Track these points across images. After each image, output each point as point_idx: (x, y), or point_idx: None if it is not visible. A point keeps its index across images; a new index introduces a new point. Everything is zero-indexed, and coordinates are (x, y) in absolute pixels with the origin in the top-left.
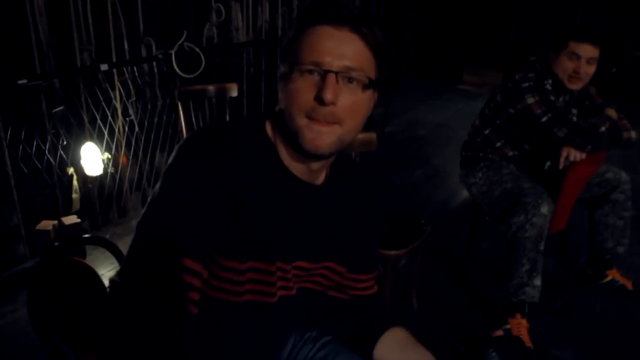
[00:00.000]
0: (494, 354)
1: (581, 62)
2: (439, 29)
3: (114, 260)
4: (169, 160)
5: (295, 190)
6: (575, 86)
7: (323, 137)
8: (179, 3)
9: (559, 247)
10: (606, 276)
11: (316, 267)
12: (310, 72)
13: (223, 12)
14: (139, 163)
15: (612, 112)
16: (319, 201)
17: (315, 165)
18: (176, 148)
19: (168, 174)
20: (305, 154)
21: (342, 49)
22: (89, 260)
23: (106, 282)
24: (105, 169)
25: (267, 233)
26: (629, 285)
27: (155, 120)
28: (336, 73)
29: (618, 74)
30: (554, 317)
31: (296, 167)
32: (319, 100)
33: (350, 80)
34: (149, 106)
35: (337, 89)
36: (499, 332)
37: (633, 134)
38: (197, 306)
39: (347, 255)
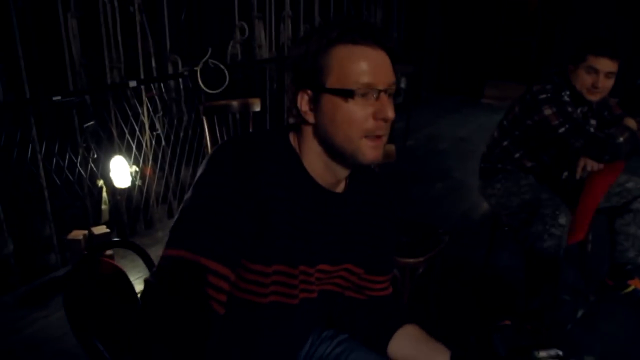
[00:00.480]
0: (500, 340)
1: (599, 76)
2: (461, 43)
3: (141, 268)
4: (199, 171)
5: (318, 198)
6: (594, 98)
7: (378, 150)
8: (205, 22)
9: (580, 258)
10: (628, 286)
11: (336, 269)
12: (364, 95)
13: (247, 29)
14: (165, 176)
15: (631, 123)
16: (340, 208)
17: (343, 174)
18: (206, 159)
19: (199, 183)
20: (354, 166)
21: (383, 68)
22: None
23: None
24: (133, 182)
25: (291, 239)
26: None
27: (181, 134)
28: (386, 91)
29: (637, 87)
30: (575, 328)
31: (321, 176)
32: (382, 119)
33: (390, 94)
34: (175, 121)
35: (391, 104)
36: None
37: None
38: (224, 307)
39: (364, 257)
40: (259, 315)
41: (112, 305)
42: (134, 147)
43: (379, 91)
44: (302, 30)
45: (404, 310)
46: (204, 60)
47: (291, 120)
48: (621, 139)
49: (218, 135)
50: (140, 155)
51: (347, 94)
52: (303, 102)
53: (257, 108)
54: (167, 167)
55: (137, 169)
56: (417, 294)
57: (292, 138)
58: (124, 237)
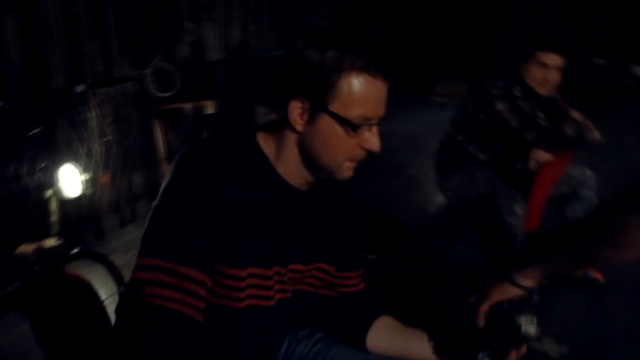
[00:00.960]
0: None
1: (549, 70)
2: (407, 44)
3: (98, 279)
4: (168, 176)
5: (288, 197)
6: (545, 92)
7: (353, 170)
8: (152, 23)
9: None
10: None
11: (309, 268)
12: (361, 124)
13: (196, 31)
14: (116, 184)
15: (577, 115)
16: (310, 206)
17: (315, 178)
18: (173, 163)
19: (169, 189)
20: (327, 177)
21: (384, 102)
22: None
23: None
24: (83, 190)
25: (264, 240)
26: (599, 277)
27: (132, 140)
28: (377, 123)
29: (579, 80)
30: (532, 312)
31: (291, 177)
32: (368, 150)
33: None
34: (125, 126)
35: None
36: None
37: (596, 135)
38: (202, 314)
39: (335, 255)
40: (235, 319)
41: (81, 321)
42: (83, 154)
43: (373, 124)
44: (252, 31)
45: (376, 304)
46: (153, 62)
47: (270, 118)
48: (569, 131)
49: (171, 139)
50: (90, 162)
51: (350, 127)
52: (296, 110)
53: (211, 110)
54: (118, 175)
55: (87, 177)
56: (380, 290)
57: (261, 139)
58: (74, 248)
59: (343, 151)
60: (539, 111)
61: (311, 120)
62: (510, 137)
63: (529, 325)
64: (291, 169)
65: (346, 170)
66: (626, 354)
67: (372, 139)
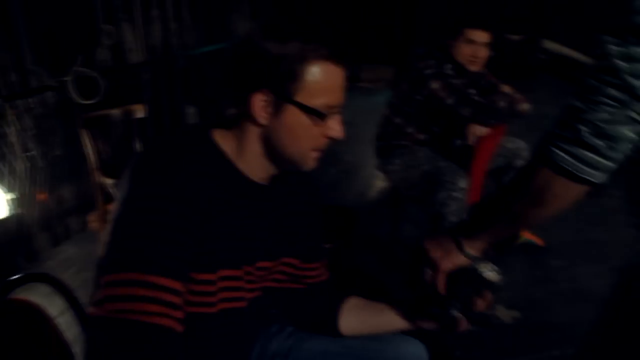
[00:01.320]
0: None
1: (477, 47)
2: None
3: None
4: (125, 186)
5: (250, 193)
6: (475, 68)
7: (318, 160)
8: (67, 28)
9: None
10: (520, 237)
11: (275, 264)
12: (325, 113)
13: (114, 33)
14: (46, 201)
15: (506, 88)
16: (271, 200)
17: (277, 171)
18: (129, 171)
19: (131, 199)
20: (292, 168)
21: (344, 88)
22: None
23: None
24: (10, 211)
25: (232, 240)
26: (539, 241)
27: (59, 152)
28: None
29: (498, 57)
30: (489, 260)
31: (253, 172)
32: (331, 138)
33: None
34: (50, 138)
35: None
36: None
37: (526, 106)
38: (181, 324)
39: (298, 247)
40: (209, 325)
41: (36, 346)
42: (6, 172)
43: (336, 113)
44: (173, 30)
45: (341, 288)
46: (73, 69)
47: (227, 114)
48: (501, 104)
49: (101, 147)
50: (14, 180)
51: (318, 116)
52: (259, 104)
53: (141, 114)
54: (47, 190)
55: (14, 197)
56: (334, 279)
57: (217, 136)
58: (1, 274)
59: (309, 141)
60: (471, 87)
61: (276, 112)
62: (446, 115)
63: (489, 272)
64: (254, 164)
65: (312, 160)
66: (572, 312)
67: (336, 127)
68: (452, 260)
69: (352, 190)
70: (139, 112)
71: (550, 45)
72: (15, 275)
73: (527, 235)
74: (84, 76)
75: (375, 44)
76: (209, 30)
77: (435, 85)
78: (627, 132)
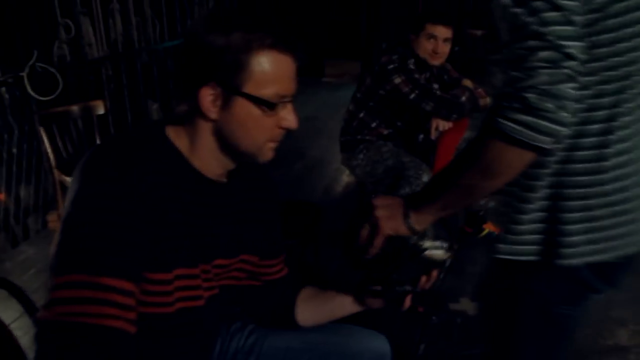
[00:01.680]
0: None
1: (438, 42)
2: (295, 26)
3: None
4: (75, 185)
5: (206, 190)
6: (436, 62)
7: (274, 151)
8: (22, 22)
9: None
10: (483, 230)
11: (233, 262)
12: (275, 102)
13: (72, 27)
14: (3, 200)
15: (468, 83)
16: (228, 197)
17: (232, 166)
18: (78, 170)
19: (79, 197)
20: (249, 162)
21: (296, 77)
22: None
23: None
24: None
25: (187, 238)
26: None
27: (15, 150)
28: (291, 100)
29: (460, 51)
30: (447, 276)
31: (208, 169)
32: (285, 129)
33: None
34: (5, 136)
35: None
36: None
37: (488, 100)
38: (134, 325)
39: (256, 244)
40: (166, 325)
41: None
42: None
43: (287, 102)
44: (134, 24)
45: (295, 281)
46: (29, 64)
47: (179, 110)
48: (463, 98)
49: (60, 145)
50: None
51: (268, 106)
52: (207, 98)
53: (101, 111)
54: (4, 190)
55: None
56: (299, 276)
57: (170, 132)
58: None
59: (262, 132)
60: (434, 82)
61: (225, 105)
62: (410, 110)
63: (435, 250)
64: (208, 160)
65: (268, 151)
66: None
67: (289, 117)
68: (395, 225)
69: (318, 185)
70: (99, 108)
71: None
72: None
73: (490, 228)
74: (41, 71)
75: (340, 39)
76: (171, 24)
77: (398, 79)
78: (570, 90)
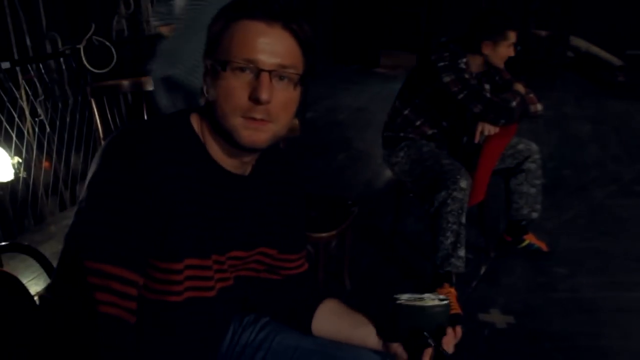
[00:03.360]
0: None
1: (510, 47)
2: (353, 15)
3: (35, 268)
4: (93, 167)
5: (224, 183)
6: (497, 65)
7: (259, 134)
8: None
9: (479, 218)
10: (524, 241)
11: (251, 254)
12: (243, 69)
13: (132, 3)
14: (53, 165)
15: (520, 87)
16: (247, 191)
17: (247, 158)
18: (98, 154)
19: (93, 183)
20: (241, 149)
21: (274, 46)
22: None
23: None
24: (16, 174)
25: (200, 229)
26: (543, 247)
27: (68, 119)
28: (270, 72)
29: (523, 52)
30: (479, 284)
31: (226, 161)
32: (254, 100)
33: (282, 77)
34: (60, 105)
35: (271, 88)
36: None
37: (539, 107)
38: (135, 314)
39: (277, 238)
40: (176, 314)
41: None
42: (14, 136)
43: (259, 70)
44: None
45: (321, 286)
46: (87, 37)
47: (202, 101)
48: (514, 103)
49: (109, 117)
50: (22, 144)
51: (222, 65)
52: (206, 81)
53: (150, 87)
54: (54, 156)
55: (20, 160)
56: (331, 267)
57: (194, 121)
58: (12, 235)
59: (228, 101)
60: (485, 82)
61: (212, 82)
62: (456, 110)
63: (433, 302)
64: (218, 148)
65: (242, 129)
66: (568, 323)
67: (257, 87)
68: None
69: (359, 178)
70: (149, 84)
71: (578, 42)
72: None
73: (531, 239)
74: (97, 45)
75: (398, 29)
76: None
77: (447, 78)
78: None
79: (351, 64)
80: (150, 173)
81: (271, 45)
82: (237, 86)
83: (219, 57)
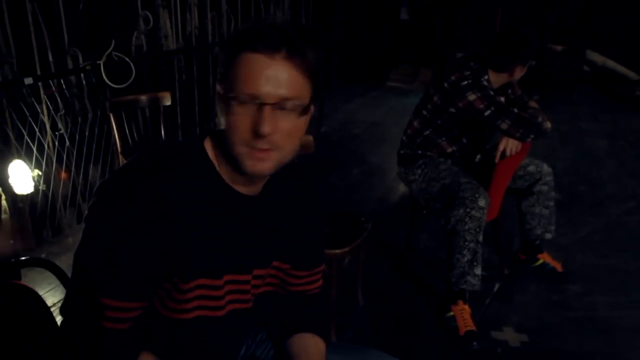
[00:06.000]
0: None
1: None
2: (365, 29)
3: (52, 279)
4: (94, 198)
5: (238, 205)
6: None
7: (263, 163)
8: (105, 12)
9: (493, 235)
10: (538, 260)
11: (268, 270)
12: (243, 103)
13: (151, 19)
14: (72, 178)
15: (534, 104)
16: (257, 211)
17: (258, 180)
18: (112, 178)
19: (106, 207)
20: (248, 176)
21: (277, 79)
22: (26, 282)
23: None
24: (36, 187)
25: (212, 250)
26: (558, 267)
27: (87, 133)
28: (272, 104)
29: (538, 66)
30: (493, 301)
31: (238, 183)
32: (256, 133)
33: (284, 108)
34: (79, 119)
35: (274, 120)
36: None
37: (549, 125)
38: (133, 321)
39: (290, 252)
40: (186, 331)
41: (29, 331)
42: (34, 149)
43: (261, 104)
44: (209, 19)
45: (318, 316)
46: (107, 53)
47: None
48: (540, 119)
49: (127, 131)
50: (42, 157)
51: (228, 100)
52: (219, 106)
53: (168, 102)
54: (73, 169)
55: (40, 173)
56: (344, 283)
57: (208, 145)
58: (30, 246)
59: (234, 133)
60: (499, 95)
61: (221, 109)
62: (476, 128)
63: None
64: (230, 172)
65: (246, 158)
66: (583, 342)
67: (259, 119)
68: None
69: (374, 193)
70: (166, 99)
71: (595, 57)
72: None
73: (545, 258)
74: (117, 60)
75: (411, 44)
76: (247, 20)
77: (472, 96)
78: None
79: (366, 78)
80: (162, 200)
81: (274, 78)
82: (240, 118)
83: (226, 88)
